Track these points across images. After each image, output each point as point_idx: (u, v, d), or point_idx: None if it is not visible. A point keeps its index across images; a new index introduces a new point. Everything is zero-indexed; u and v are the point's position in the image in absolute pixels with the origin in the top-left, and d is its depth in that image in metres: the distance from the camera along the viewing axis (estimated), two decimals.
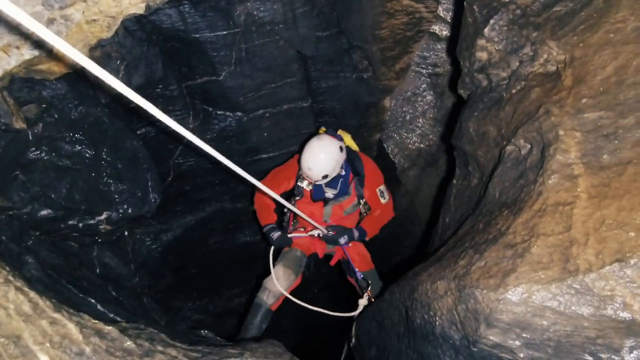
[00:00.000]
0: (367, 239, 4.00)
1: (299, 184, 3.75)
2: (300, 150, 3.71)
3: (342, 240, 3.84)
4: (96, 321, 1.66)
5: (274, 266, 3.90)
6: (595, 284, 1.71)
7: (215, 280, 6.18)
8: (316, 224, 3.70)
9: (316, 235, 3.96)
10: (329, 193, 3.85)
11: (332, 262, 4.23)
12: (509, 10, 2.79)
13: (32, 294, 1.52)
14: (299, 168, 3.71)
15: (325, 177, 3.58)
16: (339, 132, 4.00)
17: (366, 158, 3.98)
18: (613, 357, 1.72)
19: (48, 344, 1.37)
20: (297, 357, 2.80)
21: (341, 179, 3.80)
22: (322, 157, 3.52)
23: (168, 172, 4.79)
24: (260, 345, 2.39)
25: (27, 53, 2.41)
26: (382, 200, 3.93)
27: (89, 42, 2.70)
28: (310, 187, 3.76)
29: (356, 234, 3.90)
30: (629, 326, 1.68)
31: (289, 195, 3.92)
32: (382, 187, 3.95)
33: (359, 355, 3.65)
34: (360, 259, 4.11)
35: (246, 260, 6.12)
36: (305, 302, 3.84)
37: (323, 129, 4.04)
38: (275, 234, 3.85)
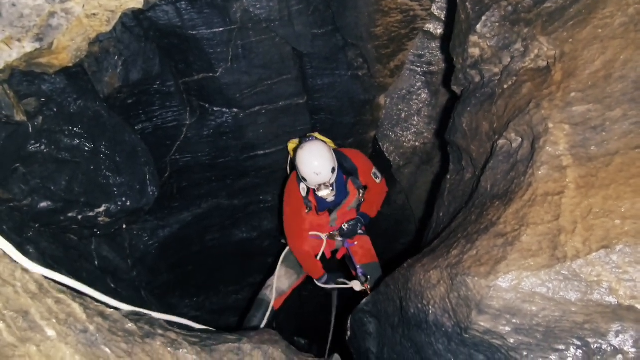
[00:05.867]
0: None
1: (320, 194, 3.77)
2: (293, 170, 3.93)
3: (359, 230, 4.09)
4: (98, 304, 1.71)
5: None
6: (582, 270, 1.76)
7: (212, 277, 6.19)
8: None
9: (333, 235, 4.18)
10: (330, 197, 3.91)
11: (339, 256, 4.36)
12: (501, 7, 2.85)
13: (37, 276, 1.57)
14: (305, 187, 3.87)
15: (333, 170, 3.69)
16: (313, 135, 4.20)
17: (350, 151, 4.10)
18: (600, 341, 1.77)
19: (54, 320, 1.42)
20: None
21: (336, 182, 3.84)
22: (319, 156, 3.63)
23: (165, 169, 4.82)
24: (257, 332, 2.44)
25: (29, 46, 2.43)
26: (377, 181, 4.12)
27: (89, 36, 2.73)
28: (330, 191, 3.77)
29: (362, 220, 4.11)
30: (614, 311, 1.73)
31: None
32: (374, 170, 4.12)
33: (355, 348, 3.69)
34: (362, 252, 4.23)
35: (243, 257, 6.15)
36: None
37: (294, 140, 4.31)
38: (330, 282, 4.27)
